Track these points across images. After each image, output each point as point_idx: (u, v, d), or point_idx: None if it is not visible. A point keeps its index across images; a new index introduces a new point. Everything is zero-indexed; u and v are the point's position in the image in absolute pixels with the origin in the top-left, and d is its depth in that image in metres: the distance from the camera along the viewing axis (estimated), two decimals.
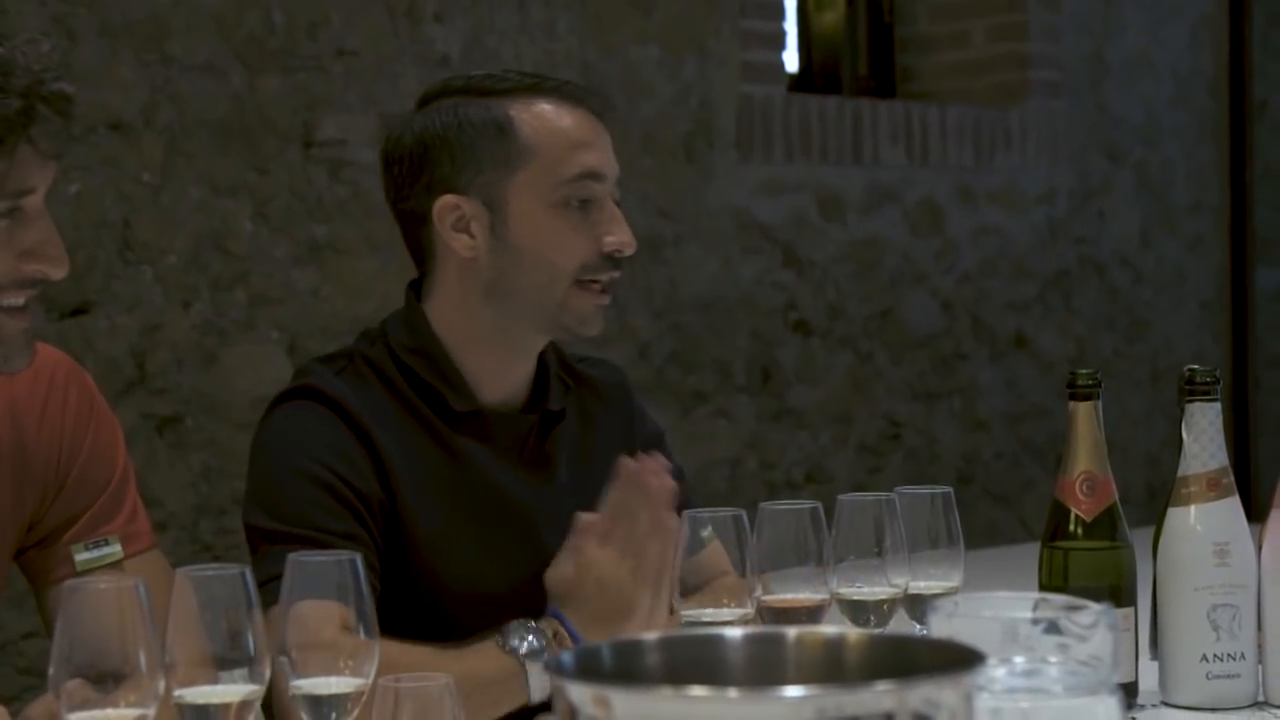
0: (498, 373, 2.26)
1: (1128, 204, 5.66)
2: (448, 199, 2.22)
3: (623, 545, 2.09)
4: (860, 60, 5.41)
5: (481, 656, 2.02)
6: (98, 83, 3.72)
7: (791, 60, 5.19)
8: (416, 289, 2.30)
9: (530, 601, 2.23)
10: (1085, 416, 2.09)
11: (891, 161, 5.06)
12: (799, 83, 5.21)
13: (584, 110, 2.24)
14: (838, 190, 4.96)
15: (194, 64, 3.85)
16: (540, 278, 2.21)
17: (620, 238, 2.23)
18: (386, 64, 4.12)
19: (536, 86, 2.24)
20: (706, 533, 1.95)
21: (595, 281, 2.22)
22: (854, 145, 4.97)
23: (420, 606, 2.18)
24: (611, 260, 2.23)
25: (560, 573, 2.11)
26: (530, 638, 2.06)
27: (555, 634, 2.07)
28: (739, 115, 4.75)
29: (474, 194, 2.21)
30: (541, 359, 2.30)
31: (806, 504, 1.93)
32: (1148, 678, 2.11)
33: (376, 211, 4.12)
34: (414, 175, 2.24)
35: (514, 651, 2.05)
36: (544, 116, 2.22)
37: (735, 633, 1.15)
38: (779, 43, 4.91)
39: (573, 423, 2.34)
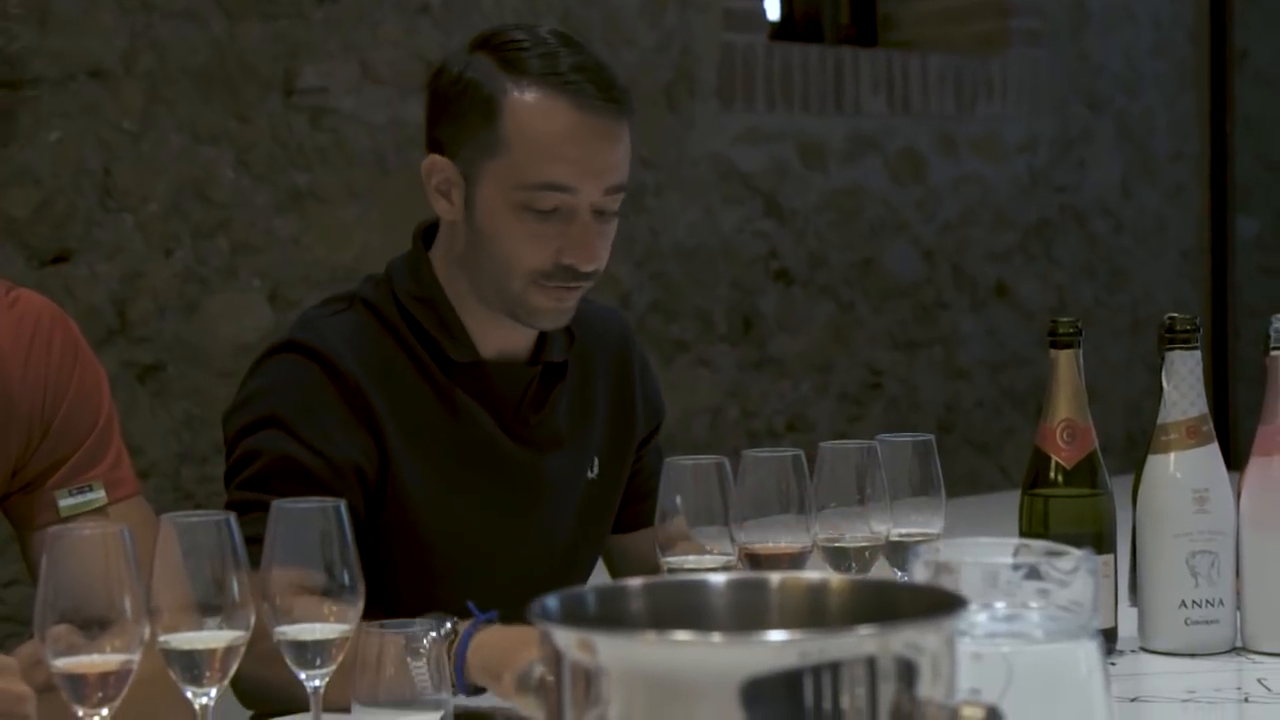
0: (496, 327, 2.21)
1: (1108, 153, 5.66)
2: (436, 159, 2.18)
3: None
4: (842, 9, 5.40)
5: None
6: (78, 29, 3.70)
7: (773, 8, 5.18)
8: (428, 235, 2.25)
9: (520, 559, 2.22)
10: (1066, 364, 2.10)
11: (873, 110, 5.05)
12: (780, 31, 5.20)
13: (587, 114, 2.11)
14: (819, 139, 4.96)
15: (174, 10, 3.83)
16: (497, 268, 2.15)
17: (577, 259, 2.12)
18: (367, 11, 4.10)
19: (548, 74, 2.12)
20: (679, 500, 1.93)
21: (554, 286, 2.14)
22: (835, 94, 4.97)
23: (408, 561, 2.16)
24: (570, 271, 2.13)
25: None
26: None
27: None
28: (720, 63, 4.74)
29: (457, 163, 2.16)
30: None
31: (789, 452, 1.94)
32: (1127, 624, 2.12)
33: (358, 159, 4.12)
34: (428, 121, 2.21)
35: None
36: (531, 112, 2.11)
37: (719, 578, 1.16)
38: None
39: (573, 374, 2.30)
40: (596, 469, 2.31)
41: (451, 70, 2.18)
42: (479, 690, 1.88)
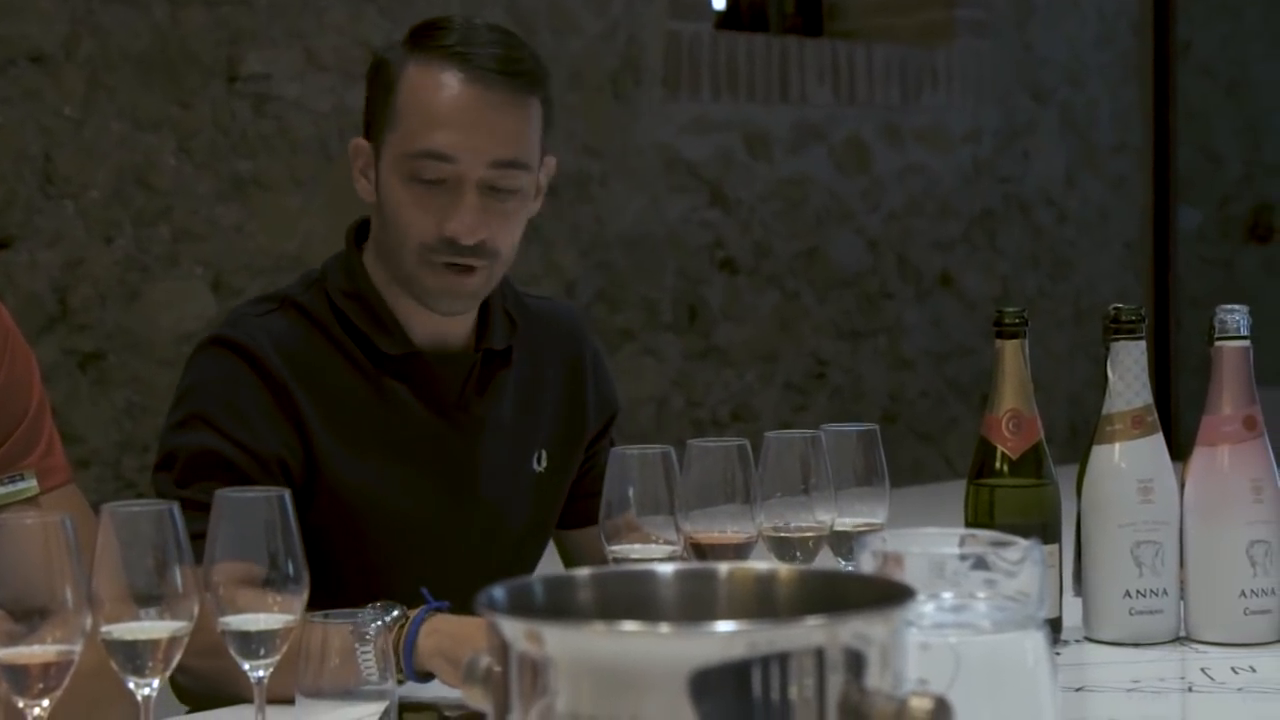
0: (429, 316, 2.19)
1: (1052, 144, 5.68)
2: (359, 141, 2.20)
3: None
4: None
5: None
6: (18, 14, 3.67)
7: None
8: (361, 232, 2.24)
9: (463, 547, 2.21)
10: (1012, 354, 2.10)
11: (818, 100, 5.06)
12: (726, 20, 5.20)
13: (476, 86, 2.10)
14: (765, 128, 4.96)
15: None
16: (394, 243, 2.15)
17: (455, 228, 2.10)
18: None
19: (445, 47, 2.12)
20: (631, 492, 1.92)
21: (444, 262, 2.13)
22: (781, 83, 4.97)
23: (351, 553, 2.15)
24: (453, 245, 2.12)
25: None
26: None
27: None
28: (666, 52, 4.73)
29: (373, 142, 2.18)
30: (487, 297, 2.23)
31: (734, 441, 1.93)
32: (1071, 614, 2.13)
33: (301, 147, 4.09)
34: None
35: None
36: (422, 83, 2.12)
37: (667, 568, 1.15)
38: None
39: (520, 364, 2.28)
40: (544, 462, 2.30)
41: (377, 59, 2.22)
42: (428, 677, 1.87)
